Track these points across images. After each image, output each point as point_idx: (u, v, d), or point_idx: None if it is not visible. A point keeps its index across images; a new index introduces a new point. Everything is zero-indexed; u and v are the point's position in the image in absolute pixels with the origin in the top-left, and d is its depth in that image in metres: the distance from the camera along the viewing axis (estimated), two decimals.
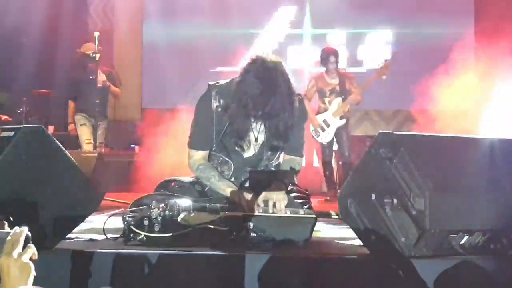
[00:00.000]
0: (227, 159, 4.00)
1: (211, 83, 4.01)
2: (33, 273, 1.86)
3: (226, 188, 3.87)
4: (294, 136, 3.97)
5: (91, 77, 8.15)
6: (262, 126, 3.89)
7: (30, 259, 1.86)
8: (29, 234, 1.88)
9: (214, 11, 10.89)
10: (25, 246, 1.87)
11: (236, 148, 3.95)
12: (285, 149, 4.06)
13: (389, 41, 10.81)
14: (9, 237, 1.86)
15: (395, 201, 3.22)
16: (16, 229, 1.88)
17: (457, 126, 8.43)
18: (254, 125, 3.88)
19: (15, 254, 1.84)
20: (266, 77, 3.69)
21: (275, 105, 3.68)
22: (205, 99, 3.98)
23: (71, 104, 8.55)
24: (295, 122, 3.87)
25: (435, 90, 10.03)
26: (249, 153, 3.98)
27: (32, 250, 1.87)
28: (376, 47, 10.83)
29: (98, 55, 7.74)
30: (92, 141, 8.16)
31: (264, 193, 3.79)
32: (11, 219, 2.10)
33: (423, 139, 3.50)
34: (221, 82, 3.98)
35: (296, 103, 3.82)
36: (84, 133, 8.36)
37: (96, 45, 7.84)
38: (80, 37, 9.18)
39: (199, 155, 4.01)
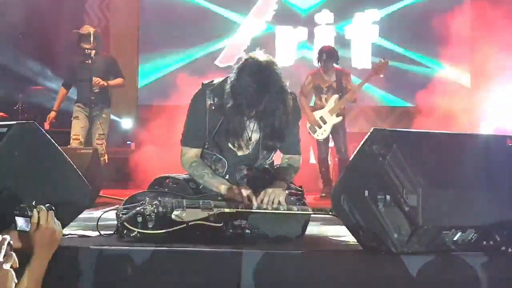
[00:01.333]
0: (220, 157, 4.00)
1: (204, 82, 4.02)
2: (14, 280, 1.92)
3: (219, 185, 3.87)
4: (290, 135, 3.98)
5: (86, 61, 7.79)
6: (256, 125, 3.89)
7: (11, 267, 1.93)
8: (11, 243, 1.95)
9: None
10: (7, 254, 1.94)
11: (231, 146, 3.95)
12: (282, 148, 4.07)
13: (377, 21, 10.79)
14: None
15: (388, 197, 3.22)
16: None
17: (453, 123, 8.46)
18: (247, 123, 3.88)
19: None
20: (259, 76, 3.69)
21: (268, 103, 3.69)
22: (198, 97, 3.98)
23: (62, 91, 8.15)
24: (290, 121, 3.88)
25: (430, 87, 10.07)
26: (243, 151, 3.98)
27: (12, 258, 1.93)
28: (364, 27, 10.82)
29: (93, 51, 7.66)
30: (80, 137, 7.75)
31: (264, 190, 3.79)
32: None
33: (416, 136, 3.51)
34: (215, 81, 3.98)
35: (290, 102, 3.83)
36: (74, 128, 7.89)
37: (92, 42, 7.73)
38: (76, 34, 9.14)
39: (192, 152, 4.01)
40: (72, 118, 7.94)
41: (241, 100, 3.70)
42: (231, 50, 10.81)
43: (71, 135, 7.79)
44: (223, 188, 3.85)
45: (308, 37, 10.88)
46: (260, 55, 3.81)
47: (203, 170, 3.96)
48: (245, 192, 3.79)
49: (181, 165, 4.06)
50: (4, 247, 1.92)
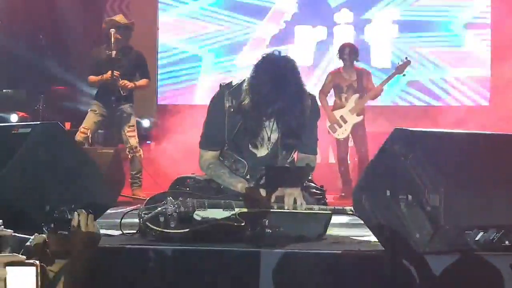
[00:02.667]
0: (240, 158, 4.01)
1: (223, 83, 4.03)
2: (47, 276, 2.08)
3: (237, 184, 3.88)
4: (307, 134, 3.99)
5: (108, 51, 7.43)
6: (275, 124, 3.90)
7: (47, 266, 2.10)
8: (47, 241, 2.16)
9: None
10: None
11: (250, 147, 3.96)
12: (299, 147, 4.07)
13: (396, 21, 10.75)
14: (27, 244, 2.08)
15: (409, 197, 3.21)
16: (36, 235, 2.15)
17: (474, 122, 8.41)
18: (266, 123, 3.89)
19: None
20: (277, 74, 3.70)
21: (285, 102, 3.69)
22: (217, 99, 3.99)
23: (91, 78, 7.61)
24: (308, 120, 3.88)
25: (452, 85, 10.04)
26: (262, 152, 3.99)
27: (45, 254, 2.09)
28: (383, 26, 10.78)
29: (114, 52, 7.57)
30: (88, 132, 7.27)
31: (279, 189, 3.80)
32: None
33: (438, 135, 3.50)
34: (234, 82, 3.99)
35: (308, 101, 3.84)
36: (87, 120, 7.45)
37: (113, 42, 7.57)
38: (97, 34, 9.17)
39: (209, 155, 4.03)
40: (89, 110, 7.57)
41: (258, 98, 3.71)
42: (251, 49, 10.82)
43: (81, 127, 7.37)
44: (240, 186, 3.86)
45: (327, 37, 10.84)
46: (279, 54, 3.82)
47: (221, 170, 3.97)
48: (264, 192, 3.80)
49: (199, 168, 4.08)
50: (40, 244, 2.09)
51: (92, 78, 7.58)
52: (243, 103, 3.80)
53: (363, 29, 10.75)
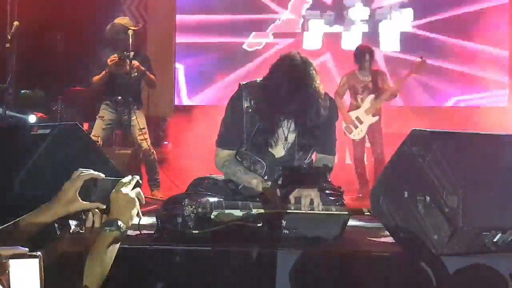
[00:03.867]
0: (258, 159, 4.02)
1: (242, 83, 4.05)
2: (137, 208, 2.23)
3: (252, 180, 3.90)
4: (325, 135, 4.00)
5: (119, 54, 7.18)
6: (293, 125, 3.91)
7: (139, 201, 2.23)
8: (140, 182, 2.28)
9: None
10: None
11: (268, 147, 3.97)
12: (317, 147, 4.08)
13: (411, 19, 10.71)
14: (122, 180, 2.24)
15: (427, 198, 3.21)
16: (130, 176, 2.26)
17: (493, 123, 8.36)
18: (284, 123, 3.90)
19: (124, 190, 2.20)
20: (293, 75, 3.73)
21: (301, 101, 3.72)
22: (235, 99, 4.01)
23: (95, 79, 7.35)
24: (326, 121, 3.90)
25: (467, 86, 9.98)
26: (280, 153, 4.00)
27: (138, 191, 2.24)
28: (397, 24, 10.76)
29: (132, 53, 7.54)
30: (99, 139, 7.12)
31: (296, 190, 3.80)
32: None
33: (455, 137, 3.49)
34: (252, 81, 4.01)
35: (326, 102, 3.86)
36: (95, 127, 7.35)
37: (130, 43, 7.53)
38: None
39: (225, 153, 4.05)
40: (97, 116, 7.45)
41: (273, 97, 3.74)
42: (258, 37, 10.89)
43: (91, 134, 7.11)
44: (255, 183, 3.88)
45: (343, 30, 10.86)
46: (297, 55, 3.84)
47: (236, 168, 3.99)
48: (281, 193, 3.81)
49: (215, 166, 4.10)
50: (133, 182, 2.23)
51: (96, 77, 7.33)
52: (260, 102, 3.82)
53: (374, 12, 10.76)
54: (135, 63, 7.23)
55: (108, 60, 7.17)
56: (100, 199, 2.28)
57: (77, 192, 2.29)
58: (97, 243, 2.17)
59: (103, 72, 7.25)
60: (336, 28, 10.86)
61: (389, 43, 10.69)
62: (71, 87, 9.87)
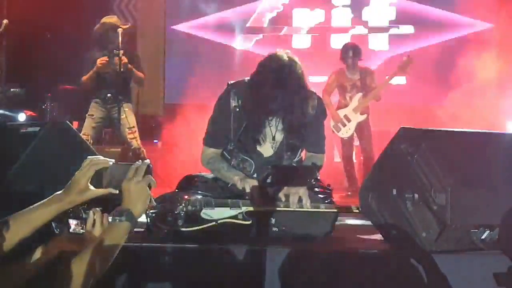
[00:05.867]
0: (246, 157, 4.04)
1: (230, 82, 4.06)
2: (149, 196, 2.22)
3: (233, 177, 3.91)
4: (314, 133, 4.03)
5: (107, 53, 7.22)
6: (280, 124, 3.93)
7: (149, 186, 2.21)
8: (151, 166, 2.26)
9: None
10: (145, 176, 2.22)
11: (255, 146, 3.99)
12: (306, 146, 4.10)
13: (394, 3, 10.72)
14: (133, 166, 2.23)
15: (416, 196, 3.23)
16: (140, 161, 2.25)
17: (481, 121, 8.39)
18: (272, 122, 3.93)
19: (135, 179, 2.19)
20: (278, 73, 3.76)
21: (287, 101, 3.74)
22: (223, 98, 4.03)
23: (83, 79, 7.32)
24: (314, 119, 3.92)
25: (457, 84, 9.99)
26: (268, 152, 4.02)
27: (149, 179, 2.22)
28: (381, 8, 10.76)
29: (121, 52, 7.52)
30: (89, 138, 7.13)
31: (285, 188, 3.82)
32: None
33: (444, 134, 3.52)
34: (240, 81, 4.02)
35: (314, 101, 3.88)
36: (85, 126, 7.34)
37: (120, 41, 7.51)
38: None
39: (211, 150, 4.07)
40: (87, 115, 7.45)
41: (260, 96, 3.77)
42: (249, 35, 10.87)
43: (81, 133, 7.00)
44: (236, 179, 3.89)
45: (325, 19, 10.83)
46: (284, 55, 3.86)
47: (220, 164, 4.01)
48: (270, 191, 3.83)
49: (201, 163, 4.12)
50: (143, 169, 2.22)
51: (84, 77, 7.31)
52: (247, 101, 3.85)
53: (361, 11, 10.77)
54: (124, 59, 7.18)
55: (98, 61, 7.17)
56: (112, 185, 2.30)
57: (89, 181, 2.31)
58: (105, 234, 2.17)
59: (91, 72, 7.25)
60: None
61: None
62: (61, 85, 9.83)
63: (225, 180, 3.98)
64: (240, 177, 3.91)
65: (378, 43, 10.67)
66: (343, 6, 10.75)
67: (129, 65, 7.27)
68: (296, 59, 3.91)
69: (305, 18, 10.85)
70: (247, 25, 10.95)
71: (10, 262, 2.25)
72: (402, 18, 10.61)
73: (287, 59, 3.84)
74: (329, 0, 10.75)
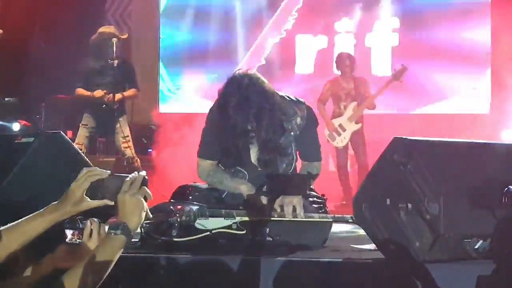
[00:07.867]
0: (240, 168, 4.03)
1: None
2: (145, 209, 2.19)
3: (239, 186, 3.92)
4: (306, 142, 4.02)
5: (103, 62, 7.41)
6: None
7: (145, 198, 2.19)
8: (147, 178, 2.24)
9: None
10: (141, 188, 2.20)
11: (237, 165, 4.00)
12: (301, 155, 4.10)
13: (396, 29, 10.74)
14: (127, 179, 2.20)
15: (409, 205, 3.24)
16: (136, 173, 2.22)
17: (474, 131, 8.42)
18: (253, 140, 3.88)
19: (130, 192, 2.17)
20: (239, 92, 3.71)
21: (250, 118, 3.70)
22: (213, 110, 3.98)
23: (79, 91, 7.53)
24: (304, 129, 3.96)
25: (450, 93, 10.02)
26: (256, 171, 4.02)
27: (145, 191, 2.20)
28: (384, 35, 10.77)
29: (116, 61, 7.54)
30: (82, 147, 7.18)
31: (280, 197, 3.82)
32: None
33: (437, 144, 3.52)
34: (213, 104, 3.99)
35: (302, 111, 3.94)
36: (79, 135, 7.44)
37: (114, 51, 7.53)
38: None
39: (207, 163, 4.05)
40: (80, 124, 7.54)
41: (225, 119, 3.73)
42: (251, 59, 10.84)
43: (75, 142, 6.97)
44: (243, 188, 3.89)
45: (328, 45, 10.84)
46: (241, 74, 3.82)
47: (222, 175, 4.01)
48: (265, 200, 3.83)
49: (198, 176, 4.10)
50: (139, 181, 2.19)
51: (80, 91, 7.49)
52: (216, 128, 3.87)
53: (364, 37, 10.77)
54: (110, 97, 7.33)
55: (96, 94, 7.34)
56: (108, 197, 2.28)
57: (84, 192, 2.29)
58: (99, 248, 2.16)
59: (88, 94, 7.40)
60: None
61: None
62: (55, 94, 9.83)
63: (230, 191, 3.97)
64: (247, 186, 3.91)
65: (381, 68, 10.65)
66: (346, 32, 10.77)
67: (118, 97, 7.39)
68: (257, 74, 3.87)
69: (308, 44, 10.87)
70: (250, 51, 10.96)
71: (3, 278, 2.24)
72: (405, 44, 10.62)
73: (245, 78, 3.78)
74: (332, 26, 10.77)
